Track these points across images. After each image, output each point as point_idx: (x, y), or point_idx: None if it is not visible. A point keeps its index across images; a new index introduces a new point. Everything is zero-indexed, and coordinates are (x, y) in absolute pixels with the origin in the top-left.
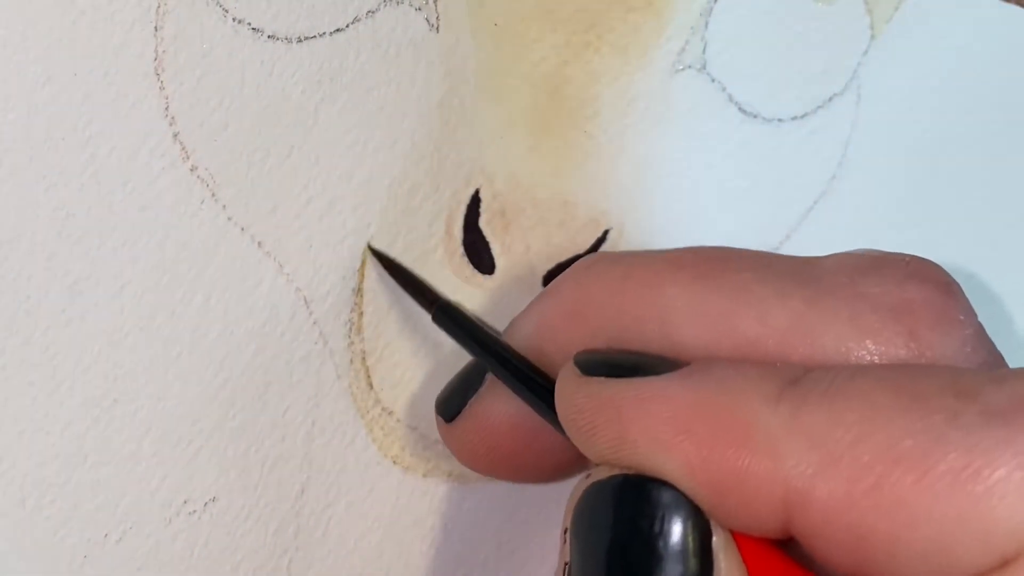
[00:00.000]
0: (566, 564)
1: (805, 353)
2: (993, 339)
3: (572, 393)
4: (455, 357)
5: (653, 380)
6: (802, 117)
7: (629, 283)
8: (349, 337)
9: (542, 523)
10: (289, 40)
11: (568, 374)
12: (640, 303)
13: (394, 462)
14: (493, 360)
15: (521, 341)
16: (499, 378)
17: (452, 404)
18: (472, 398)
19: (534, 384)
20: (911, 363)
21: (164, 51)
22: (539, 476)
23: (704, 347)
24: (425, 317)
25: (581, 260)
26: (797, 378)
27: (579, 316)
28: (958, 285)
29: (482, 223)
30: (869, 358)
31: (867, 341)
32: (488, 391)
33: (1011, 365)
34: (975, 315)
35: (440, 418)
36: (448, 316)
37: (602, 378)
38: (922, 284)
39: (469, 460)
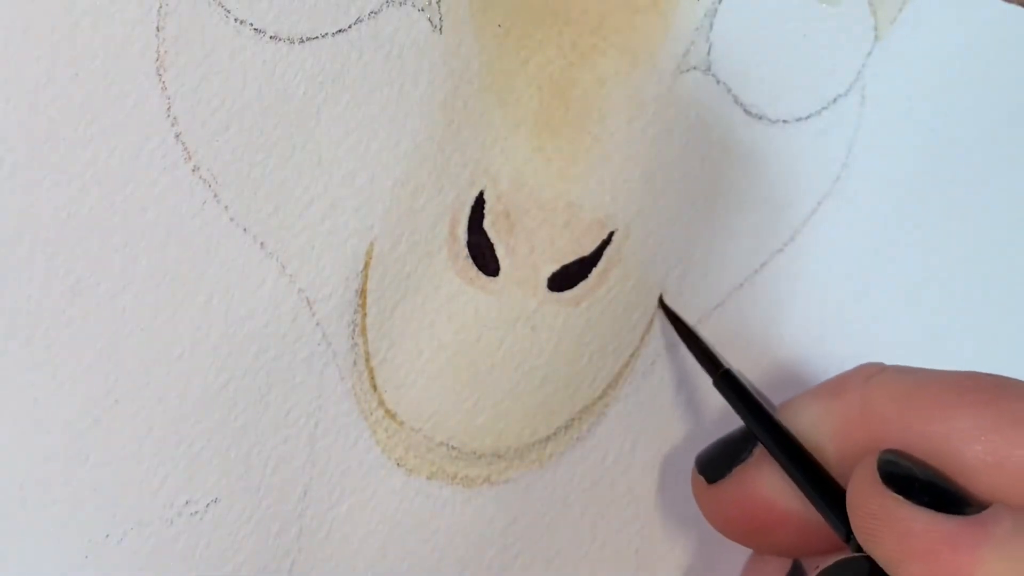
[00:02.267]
0: None
1: None
2: (998, 341)
3: (867, 498)
4: (458, 358)
5: (946, 521)
6: (807, 118)
7: (917, 400)
8: (352, 338)
9: (546, 527)
10: (291, 41)
11: (867, 476)
12: (928, 421)
13: (397, 464)
14: (771, 439)
15: (799, 429)
16: (775, 457)
17: (718, 467)
18: (739, 466)
19: (812, 472)
20: None
21: (166, 51)
22: (785, 550)
23: (985, 468)
24: (430, 318)
25: (865, 366)
26: None
27: (863, 422)
28: None
29: (486, 224)
30: None
31: None
32: (757, 463)
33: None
34: None
35: (700, 477)
36: (730, 385)
37: (900, 497)
38: None
39: (722, 524)
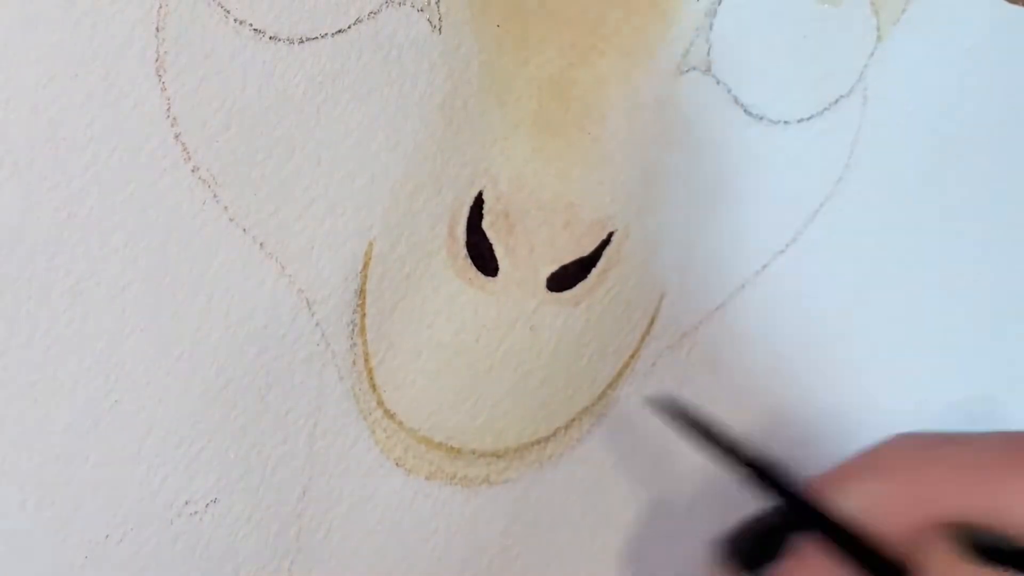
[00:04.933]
0: None
1: None
2: (1001, 341)
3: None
4: (457, 358)
5: None
6: (808, 119)
7: (968, 474)
8: (352, 339)
9: (546, 527)
10: (291, 41)
11: (952, 555)
12: (978, 494)
13: (396, 464)
14: (822, 528)
15: (849, 512)
16: (837, 548)
17: (753, 557)
18: (770, 567)
19: (875, 561)
20: None
21: (166, 52)
22: None
23: None
24: (430, 318)
25: (903, 438)
26: None
27: (914, 497)
28: None
29: (485, 225)
30: None
31: None
32: (796, 566)
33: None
34: None
35: (731, 564)
36: (764, 476)
37: (996, 570)
38: None
39: None
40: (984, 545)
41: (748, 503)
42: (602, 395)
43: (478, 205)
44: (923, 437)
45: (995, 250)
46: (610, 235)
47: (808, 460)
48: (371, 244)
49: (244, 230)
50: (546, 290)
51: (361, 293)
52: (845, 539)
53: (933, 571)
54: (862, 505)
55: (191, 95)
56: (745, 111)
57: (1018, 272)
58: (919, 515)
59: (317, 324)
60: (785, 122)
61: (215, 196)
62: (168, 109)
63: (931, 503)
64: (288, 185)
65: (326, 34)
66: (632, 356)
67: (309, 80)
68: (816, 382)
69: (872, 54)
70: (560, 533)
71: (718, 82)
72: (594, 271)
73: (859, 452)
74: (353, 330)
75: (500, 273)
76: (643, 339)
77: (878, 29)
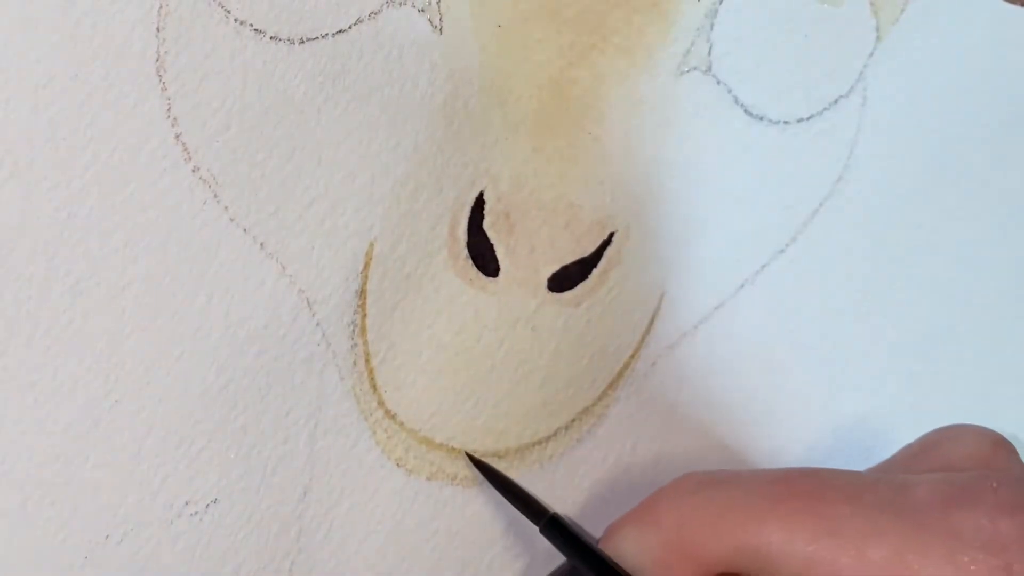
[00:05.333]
0: None
1: None
2: (998, 341)
3: None
4: (458, 359)
5: None
6: (808, 119)
7: (729, 517)
8: (352, 339)
9: None
10: (291, 41)
11: None
12: (741, 537)
13: (397, 465)
14: None
15: (624, 558)
16: None
17: None
18: None
19: None
20: None
21: (166, 52)
22: None
23: None
24: (430, 319)
25: (679, 481)
26: None
27: (680, 545)
28: None
29: (486, 225)
30: None
31: None
32: None
33: (1013, 373)
34: None
35: None
36: (557, 529)
37: None
38: (1012, 517)
39: None
40: None
41: None
42: (603, 395)
43: (479, 205)
44: (703, 476)
45: (995, 249)
46: (611, 235)
47: (806, 458)
48: (372, 244)
49: (244, 230)
50: (547, 290)
51: (362, 293)
52: None
53: None
54: (635, 553)
55: (191, 95)
56: (745, 111)
57: (1017, 270)
58: (691, 564)
59: (318, 324)
60: (785, 122)
61: (215, 196)
62: (168, 109)
63: (695, 550)
64: (289, 185)
65: (327, 34)
66: (632, 356)
67: (310, 80)
68: (815, 381)
69: (871, 54)
70: None
71: (718, 82)
72: (595, 271)
73: (649, 496)
74: (354, 330)
75: (501, 273)
76: (643, 339)
77: (877, 29)
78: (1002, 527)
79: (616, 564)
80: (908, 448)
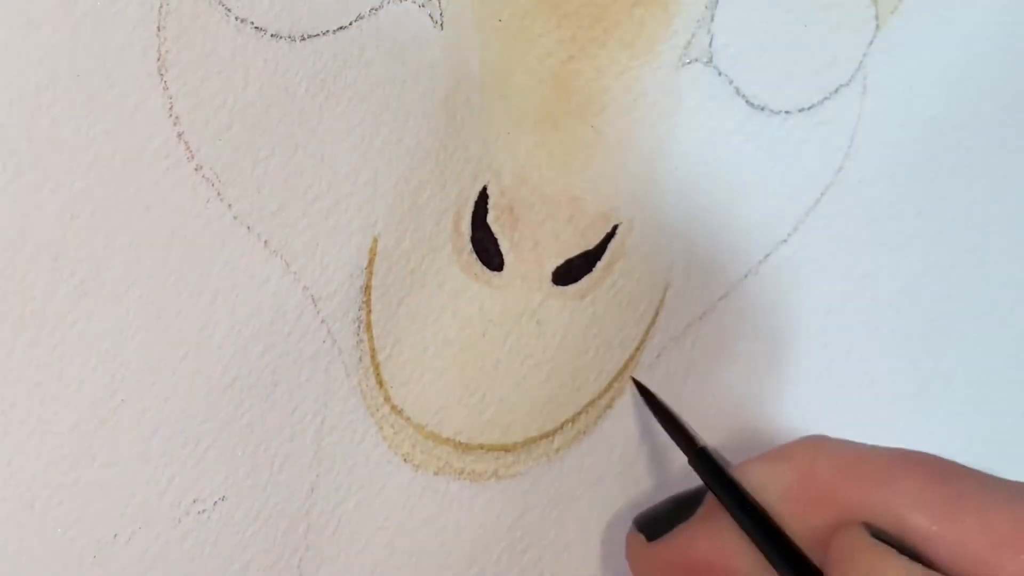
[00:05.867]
0: None
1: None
2: (996, 331)
3: (865, 556)
4: (463, 353)
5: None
6: (809, 109)
7: (862, 466)
8: (358, 335)
9: (554, 522)
10: (292, 38)
11: (859, 536)
12: (873, 487)
13: (404, 460)
14: (743, 514)
15: (750, 487)
16: (746, 532)
17: (658, 526)
18: (680, 526)
19: (771, 533)
20: None
21: (167, 51)
22: None
23: (925, 537)
24: (435, 314)
25: (810, 437)
26: None
27: (813, 483)
28: None
29: (490, 219)
30: None
31: None
32: (699, 524)
33: (1013, 360)
34: None
35: (638, 535)
36: (704, 462)
37: (900, 555)
38: None
39: None
40: (888, 539)
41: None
42: (608, 387)
43: (482, 200)
44: (826, 438)
45: (997, 237)
46: (615, 228)
47: None
48: (376, 240)
49: (248, 228)
50: (552, 284)
51: (366, 289)
52: (752, 513)
53: (842, 551)
54: (762, 484)
55: (193, 94)
56: (747, 102)
57: (1018, 260)
58: (809, 499)
59: (323, 321)
60: (786, 112)
61: (219, 194)
62: (170, 108)
63: (831, 492)
64: (292, 182)
65: (328, 31)
66: (638, 348)
67: (311, 77)
68: (819, 370)
69: (871, 43)
70: (568, 526)
71: (720, 73)
72: (599, 264)
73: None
74: (359, 326)
75: (505, 268)
76: (648, 331)
77: (877, 18)
78: None
79: (755, 501)
80: None
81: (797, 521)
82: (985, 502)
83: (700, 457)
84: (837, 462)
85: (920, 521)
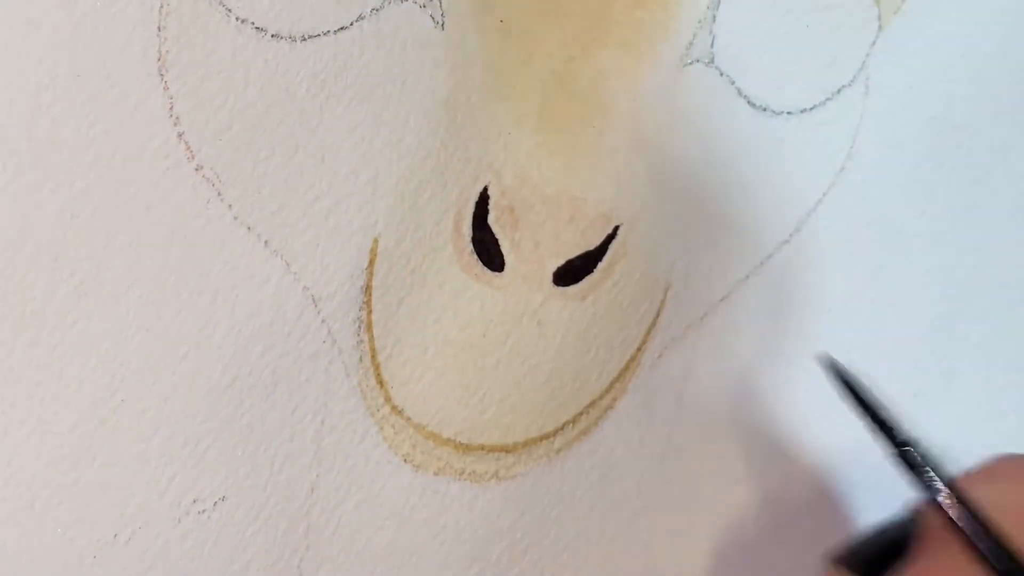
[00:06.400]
0: None
1: None
2: (1001, 328)
3: None
4: (464, 354)
5: None
6: (811, 109)
7: None
8: (358, 335)
9: (554, 521)
10: (293, 39)
11: None
12: None
13: (404, 460)
14: (962, 524)
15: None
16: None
17: (873, 563)
18: (899, 564)
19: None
20: None
21: (167, 51)
22: None
23: None
24: (436, 314)
25: (1016, 456)
26: None
27: None
28: None
29: (491, 220)
30: None
31: None
32: (927, 557)
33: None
34: None
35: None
36: (912, 461)
37: None
38: None
39: None
40: None
41: (750, 495)
42: (609, 388)
43: (483, 200)
44: None
45: (998, 237)
46: (616, 228)
47: (813, 449)
48: (376, 240)
49: (248, 228)
50: (552, 284)
51: (367, 290)
52: (982, 537)
53: None
54: (995, 506)
55: (193, 94)
56: (748, 102)
57: (1020, 260)
58: None
59: (323, 321)
60: (788, 112)
61: (219, 195)
62: (171, 108)
63: None
64: (292, 183)
65: (328, 31)
66: (639, 349)
67: (312, 78)
68: (818, 370)
69: (874, 43)
70: (569, 527)
71: (721, 73)
72: (600, 265)
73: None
74: (359, 327)
75: (506, 268)
76: (649, 331)
77: (879, 18)
78: None
79: (973, 507)
80: None
81: None
82: None
83: (930, 474)
84: None
85: None
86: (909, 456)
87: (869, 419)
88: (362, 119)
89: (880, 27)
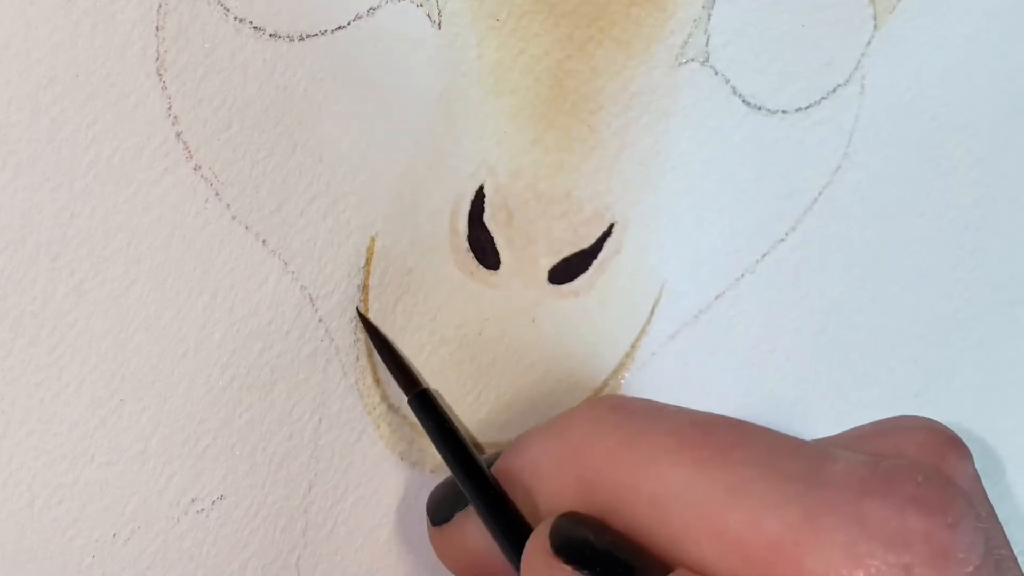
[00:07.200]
0: None
1: (792, 569)
2: (996, 331)
3: (537, 568)
4: (460, 352)
5: None
6: (806, 108)
7: (630, 452)
8: (355, 334)
9: None
10: (291, 38)
11: (539, 545)
12: (637, 477)
13: (401, 458)
14: (473, 489)
15: (519, 466)
16: (477, 510)
17: (441, 511)
18: (461, 511)
19: (509, 525)
20: None
21: (166, 51)
22: None
23: (690, 538)
24: (432, 313)
25: (598, 403)
26: None
27: (578, 469)
28: (968, 509)
29: (486, 218)
30: None
31: (859, 573)
32: (461, 522)
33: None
34: (979, 548)
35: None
36: (425, 406)
37: (568, 568)
38: (926, 515)
39: (451, 566)
40: (576, 542)
41: None
42: (604, 385)
43: (479, 199)
44: (622, 401)
45: (995, 238)
46: (610, 226)
47: None
48: (373, 240)
49: (246, 228)
50: (547, 282)
51: (364, 288)
52: (491, 498)
53: (524, 555)
54: (532, 462)
55: (192, 94)
56: (743, 101)
57: (1017, 259)
58: (576, 486)
59: (321, 320)
60: (783, 112)
61: (217, 194)
62: (169, 108)
63: (588, 476)
64: (290, 182)
65: (326, 31)
66: (633, 346)
67: (309, 77)
68: (815, 369)
69: (869, 43)
70: None
71: (716, 73)
72: (595, 262)
73: (566, 411)
74: (356, 325)
75: (502, 266)
76: (644, 329)
77: (875, 18)
78: (911, 523)
79: (473, 451)
80: (860, 428)
81: (564, 504)
82: (762, 501)
83: (421, 400)
84: (608, 444)
85: (680, 521)
86: (423, 400)
87: (393, 367)
88: (360, 118)
89: (876, 26)
